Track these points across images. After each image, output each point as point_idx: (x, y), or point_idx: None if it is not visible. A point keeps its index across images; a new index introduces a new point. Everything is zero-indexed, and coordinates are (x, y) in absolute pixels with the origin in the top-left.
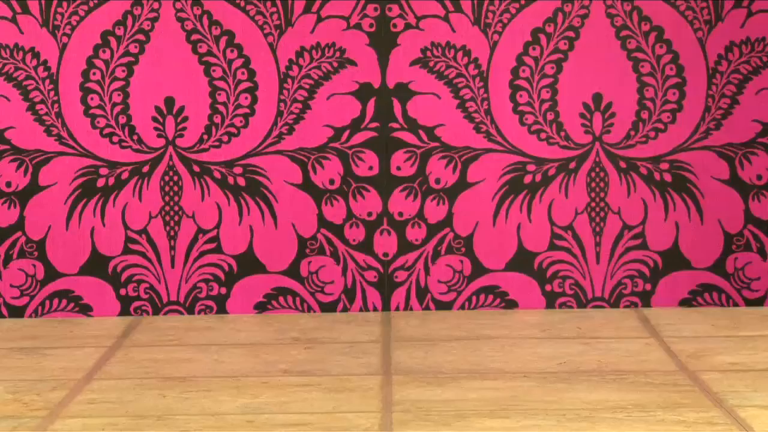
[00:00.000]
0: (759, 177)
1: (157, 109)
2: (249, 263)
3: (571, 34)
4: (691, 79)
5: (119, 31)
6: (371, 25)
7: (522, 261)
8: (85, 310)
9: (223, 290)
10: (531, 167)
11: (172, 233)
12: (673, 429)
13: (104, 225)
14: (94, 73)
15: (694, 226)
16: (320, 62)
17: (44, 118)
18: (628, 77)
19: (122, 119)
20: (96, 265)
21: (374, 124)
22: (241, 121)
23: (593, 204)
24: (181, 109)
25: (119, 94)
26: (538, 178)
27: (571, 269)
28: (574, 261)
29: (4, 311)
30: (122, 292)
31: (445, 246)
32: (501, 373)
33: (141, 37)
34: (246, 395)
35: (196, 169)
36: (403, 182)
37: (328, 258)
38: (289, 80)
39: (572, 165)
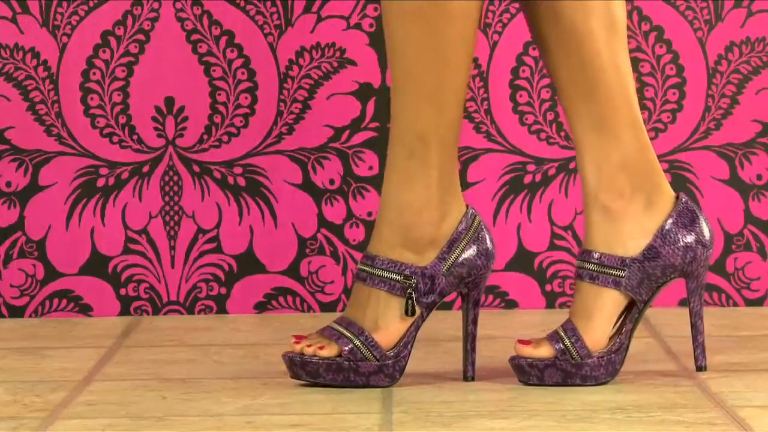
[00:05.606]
0: (759, 177)
1: (157, 109)
2: (249, 263)
3: None
4: (691, 79)
5: (119, 31)
6: (371, 25)
7: (522, 261)
8: (85, 310)
9: (223, 290)
10: (531, 167)
11: (172, 233)
12: (673, 429)
13: (104, 225)
14: (94, 73)
15: None
16: (320, 62)
17: (44, 118)
18: None
19: (122, 119)
20: (96, 265)
21: (374, 124)
22: (241, 121)
23: None
24: (181, 108)
25: (119, 94)
26: (538, 178)
27: (571, 269)
28: (574, 261)
29: (4, 311)
30: (122, 292)
31: None
32: (501, 373)
33: (141, 37)
34: (246, 396)
35: (196, 169)
36: None
37: (328, 258)
38: (289, 80)
39: (572, 165)
